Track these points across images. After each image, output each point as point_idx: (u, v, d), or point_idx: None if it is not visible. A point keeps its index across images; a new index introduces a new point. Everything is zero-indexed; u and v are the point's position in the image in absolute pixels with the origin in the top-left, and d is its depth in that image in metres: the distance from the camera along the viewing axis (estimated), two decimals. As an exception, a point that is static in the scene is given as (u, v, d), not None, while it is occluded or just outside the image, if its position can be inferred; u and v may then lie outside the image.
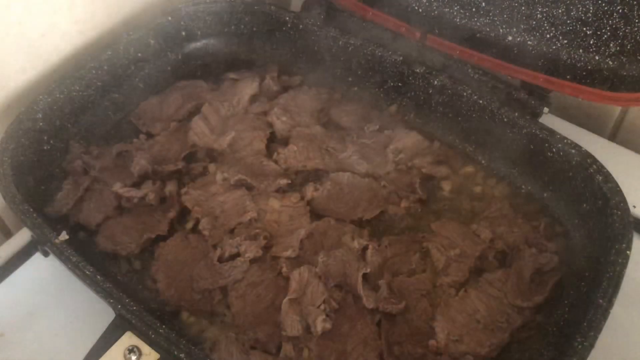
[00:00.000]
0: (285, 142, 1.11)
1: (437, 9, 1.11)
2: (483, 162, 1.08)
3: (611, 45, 0.96)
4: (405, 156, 1.08)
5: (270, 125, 1.13)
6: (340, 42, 1.15)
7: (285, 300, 0.87)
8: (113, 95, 1.15)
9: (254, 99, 1.18)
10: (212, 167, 1.08)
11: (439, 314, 0.88)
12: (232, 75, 1.21)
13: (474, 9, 1.07)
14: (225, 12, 1.21)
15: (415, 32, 1.11)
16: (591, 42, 0.98)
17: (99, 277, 0.83)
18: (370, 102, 1.18)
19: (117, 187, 1.01)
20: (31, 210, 0.89)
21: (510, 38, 1.05)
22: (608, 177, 0.91)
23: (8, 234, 1.13)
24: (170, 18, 1.18)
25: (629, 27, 0.93)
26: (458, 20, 1.10)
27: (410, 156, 1.08)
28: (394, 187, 1.04)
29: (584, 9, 0.96)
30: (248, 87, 1.18)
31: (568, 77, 1.00)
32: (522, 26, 1.04)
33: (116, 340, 0.79)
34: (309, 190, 1.03)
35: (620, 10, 0.93)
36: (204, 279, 0.92)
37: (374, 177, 1.06)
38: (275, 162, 1.07)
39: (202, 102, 1.15)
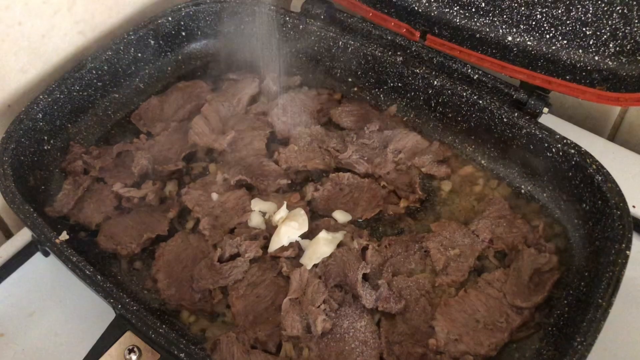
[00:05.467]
0: (285, 142, 1.11)
1: (437, 9, 1.11)
2: (483, 162, 1.08)
3: (611, 45, 0.96)
4: (405, 156, 1.08)
5: (270, 125, 1.13)
6: (340, 42, 1.15)
7: (286, 300, 0.87)
8: (113, 95, 1.15)
9: (254, 99, 1.18)
10: (212, 167, 1.08)
11: (438, 313, 0.88)
12: (232, 75, 1.21)
13: (474, 9, 1.07)
14: (225, 12, 1.21)
15: (415, 32, 1.12)
16: (591, 43, 0.98)
17: (99, 277, 0.83)
18: (370, 102, 1.18)
19: (117, 187, 1.01)
20: (31, 210, 0.89)
21: (510, 38, 1.06)
22: (607, 177, 0.91)
23: (8, 234, 1.13)
24: (170, 18, 1.18)
25: (628, 28, 0.93)
26: (458, 20, 1.10)
27: (409, 156, 1.08)
28: (393, 187, 1.04)
29: (584, 9, 0.96)
30: (248, 87, 1.18)
31: (568, 77, 1.01)
32: (522, 26, 1.04)
33: (116, 340, 0.80)
34: (309, 190, 1.03)
35: (620, 11, 0.93)
36: (204, 279, 0.92)
37: (374, 177, 1.06)
38: (276, 162, 1.07)
39: (202, 102, 1.15)
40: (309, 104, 1.16)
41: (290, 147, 1.08)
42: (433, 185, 1.06)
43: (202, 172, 1.08)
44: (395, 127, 1.12)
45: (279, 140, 1.12)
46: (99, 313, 0.87)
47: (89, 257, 0.92)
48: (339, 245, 0.95)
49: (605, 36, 0.96)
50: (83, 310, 0.93)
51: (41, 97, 1.02)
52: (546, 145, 0.99)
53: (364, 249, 0.95)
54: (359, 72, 1.17)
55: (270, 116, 1.13)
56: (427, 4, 1.12)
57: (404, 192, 1.04)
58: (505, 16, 1.04)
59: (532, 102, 1.03)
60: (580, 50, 1.00)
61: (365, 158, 1.07)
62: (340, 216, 1.00)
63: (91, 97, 1.11)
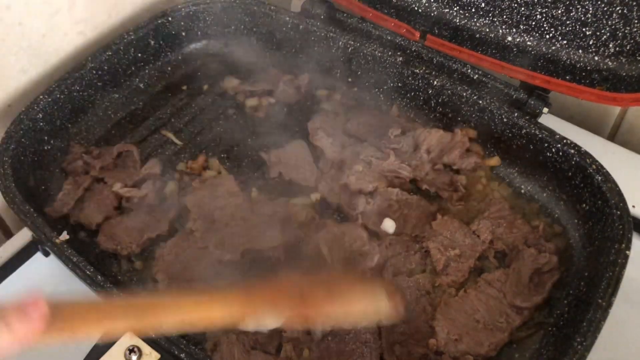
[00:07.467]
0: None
1: (437, 9, 1.11)
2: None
3: (610, 45, 0.97)
4: (435, 154, 1.05)
5: (320, 150, 1.08)
6: (340, 42, 1.15)
7: (286, 300, 0.87)
8: (113, 95, 1.15)
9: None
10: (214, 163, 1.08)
11: (439, 313, 0.88)
12: (247, 87, 1.19)
13: (473, 10, 1.07)
14: (225, 13, 1.21)
15: (415, 32, 1.12)
16: (591, 43, 0.98)
17: (99, 277, 0.83)
18: (370, 102, 1.17)
19: (118, 187, 1.01)
20: (31, 210, 0.89)
21: (510, 38, 1.06)
22: (607, 177, 0.91)
23: (8, 234, 1.13)
24: (170, 18, 1.18)
25: (628, 28, 0.93)
26: (458, 20, 1.10)
27: (438, 153, 1.05)
28: (435, 188, 1.02)
29: (584, 10, 0.96)
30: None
31: (567, 77, 1.01)
32: (522, 26, 1.04)
33: (116, 340, 0.79)
34: (361, 203, 0.99)
35: (620, 11, 0.93)
36: (205, 279, 0.92)
37: (416, 181, 1.03)
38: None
39: None
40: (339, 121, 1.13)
41: (356, 167, 1.03)
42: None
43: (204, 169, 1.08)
44: (411, 127, 1.09)
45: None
46: (99, 313, 0.87)
47: (89, 257, 0.92)
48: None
49: (605, 36, 0.96)
50: (83, 310, 0.93)
51: (41, 97, 1.02)
52: (546, 145, 0.99)
53: (364, 249, 0.95)
54: (359, 73, 1.17)
55: (316, 140, 1.08)
56: (427, 4, 1.12)
57: (446, 192, 1.02)
58: (505, 16, 1.04)
59: (532, 102, 1.03)
60: (580, 51, 1.00)
61: (405, 163, 1.04)
62: (389, 224, 0.98)
63: (91, 97, 1.11)
